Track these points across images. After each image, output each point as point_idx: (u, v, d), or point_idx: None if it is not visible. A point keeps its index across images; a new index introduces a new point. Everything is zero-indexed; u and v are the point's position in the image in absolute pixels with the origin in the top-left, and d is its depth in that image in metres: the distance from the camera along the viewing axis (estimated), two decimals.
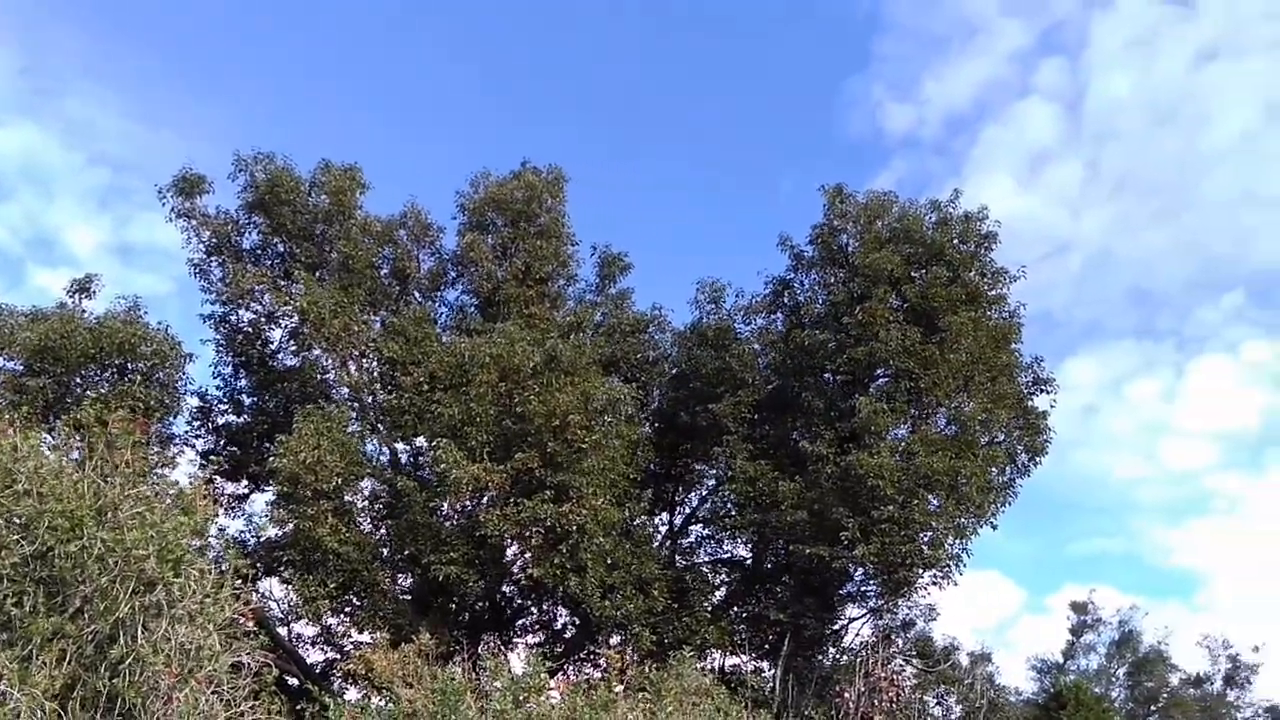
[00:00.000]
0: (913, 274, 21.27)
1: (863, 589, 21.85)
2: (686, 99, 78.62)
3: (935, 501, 19.48)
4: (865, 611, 22.43)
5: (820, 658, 21.51)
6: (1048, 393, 21.92)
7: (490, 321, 21.84)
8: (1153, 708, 40.06)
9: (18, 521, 8.19)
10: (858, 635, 22.38)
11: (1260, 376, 71.91)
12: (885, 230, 21.88)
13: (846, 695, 17.47)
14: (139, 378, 19.70)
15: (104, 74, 63.31)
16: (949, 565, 19.67)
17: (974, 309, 20.99)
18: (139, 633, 8.11)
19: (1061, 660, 41.88)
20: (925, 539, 19.38)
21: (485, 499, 19.41)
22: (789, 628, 20.14)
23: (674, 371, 24.23)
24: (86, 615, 8.18)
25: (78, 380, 19.35)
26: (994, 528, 20.35)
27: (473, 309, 23.65)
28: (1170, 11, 71.87)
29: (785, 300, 23.63)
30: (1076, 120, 76.81)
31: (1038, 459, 21.56)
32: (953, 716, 20.20)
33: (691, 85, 75.96)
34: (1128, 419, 74.15)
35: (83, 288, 20.77)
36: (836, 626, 22.13)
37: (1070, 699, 25.33)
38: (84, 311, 20.20)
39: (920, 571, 19.69)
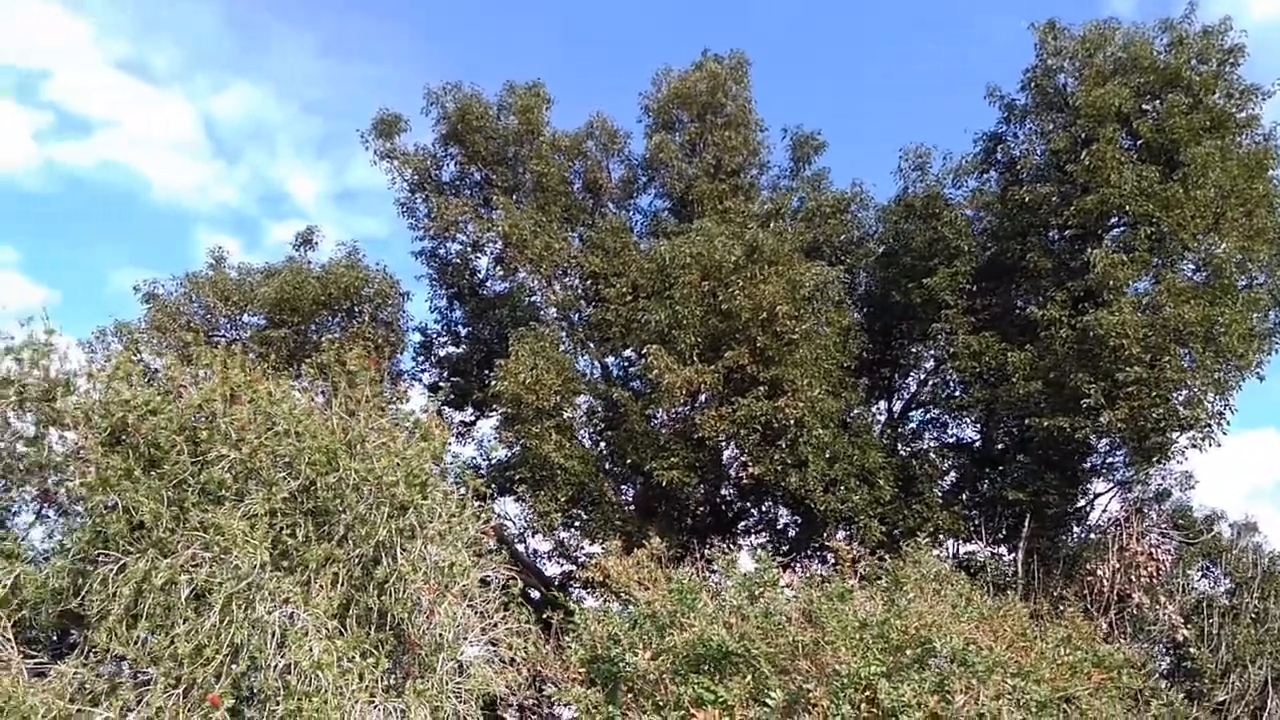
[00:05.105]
0: (1144, 107, 19.02)
1: (1108, 460, 20.40)
2: None
3: (1189, 356, 17.76)
4: (1112, 485, 20.91)
5: (1065, 537, 20.37)
6: None
7: (685, 222, 21.55)
8: None
9: (283, 459, 8.86)
10: (1104, 511, 20.98)
11: None
12: (1109, 63, 19.58)
13: (1099, 573, 16.39)
14: (366, 319, 21.08)
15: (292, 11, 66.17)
16: (1210, 425, 17.90)
17: (1220, 137, 18.57)
18: (398, 554, 8.64)
19: None
20: (1180, 398, 17.71)
21: (700, 401, 19.46)
22: (1028, 508, 19.12)
23: (880, 250, 23.07)
24: (351, 541, 8.78)
25: (313, 327, 20.90)
26: (1260, 379, 18.38)
27: (666, 212, 23.41)
28: None
29: (999, 156, 21.77)
30: None
31: None
32: (1220, 589, 18.47)
33: None
34: None
35: (306, 240, 22.48)
36: (1081, 503, 20.84)
37: None
38: (309, 262, 21.73)
39: (1176, 435, 18.09)
